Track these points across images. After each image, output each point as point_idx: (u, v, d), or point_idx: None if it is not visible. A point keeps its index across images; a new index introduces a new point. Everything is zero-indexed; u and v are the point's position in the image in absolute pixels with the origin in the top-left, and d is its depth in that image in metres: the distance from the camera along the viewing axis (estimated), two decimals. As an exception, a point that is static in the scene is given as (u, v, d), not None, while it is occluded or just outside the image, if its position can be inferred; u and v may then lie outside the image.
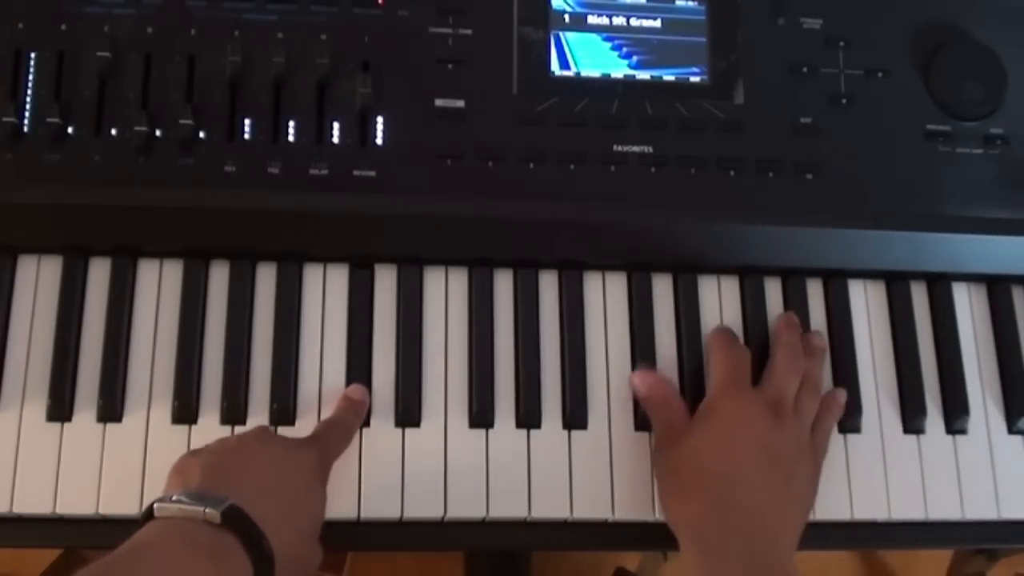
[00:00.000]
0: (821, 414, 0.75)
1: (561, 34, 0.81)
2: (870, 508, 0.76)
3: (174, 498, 0.59)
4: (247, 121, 0.76)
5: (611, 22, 0.82)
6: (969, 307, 0.82)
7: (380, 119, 0.77)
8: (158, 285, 0.76)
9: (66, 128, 0.74)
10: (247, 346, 0.75)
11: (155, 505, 0.60)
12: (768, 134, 0.80)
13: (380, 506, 0.72)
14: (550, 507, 0.74)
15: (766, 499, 0.68)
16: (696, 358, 0.78)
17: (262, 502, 0.61)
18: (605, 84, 0.80)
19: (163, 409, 0.73)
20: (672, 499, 0.71)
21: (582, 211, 0.77)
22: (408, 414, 0.74)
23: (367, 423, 0.74)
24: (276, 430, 0.73)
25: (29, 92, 0.75)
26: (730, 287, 0.81)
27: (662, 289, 0.80)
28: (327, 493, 0.69)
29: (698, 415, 0.73)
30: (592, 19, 0.81)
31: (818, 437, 0.74)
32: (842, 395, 0.77)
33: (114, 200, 0.74)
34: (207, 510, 0.58)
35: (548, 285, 0.79)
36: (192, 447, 0.72)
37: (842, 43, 0.82)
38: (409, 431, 0.74)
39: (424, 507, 0.73)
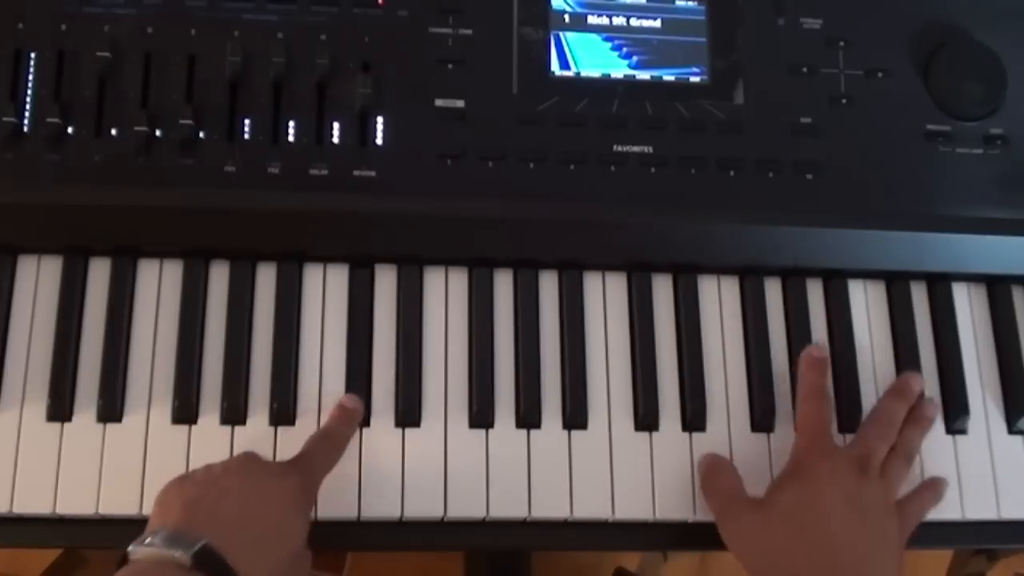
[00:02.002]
0: (922, 495, 0.75)
1: (561, 34, 0.81)
2: (870, 508, 0.76)
3: (147, 541, 0.59)
4: (247, 121, 0.76)
5: (611, 22, 0.82)
6: (969, 307, 0.82)
7: (380, 119, 0.77)
8: (158, 285, 0.76)
9: (66, 128, 0.74)
10: (247, 346, 0.75)
11: (130, 549, 0.59)
12: (768, 134, 0.80)
13: (380, 506, 0.72)
14: (550, 507, 0.74)
15: (864, 553, 0.68)
16: (696, 358, 0.78)
17: (238, 537, 0.61)
18: (605, 84, 0.80)
19: (163, 409, 0.73)
20: (763, 562, 0.70)
21: (582, 211, 0.77)
22: (408, 414, 0.74)
23: (367, 423, 0.74)
24: (276, 430, 0.73)
25: (29, 92, 0.75)
26: (730, 287, 0.81)
27: (662, 289, 0.80)
28: (328, 494, 0.69)
29: (788, 474, 0.72)
30: (592, 19, 0.81)
31: (908, 512, 0.73)
32: (943, 484, 0.76)
33: (114, 200, 0.74)
34: (177, 554, 0.58)
35: (548, 285, 0.79)
36: (192, 447, 0.72)
37: (842, 43, 0.82)
38: (409, 431, 0.74)
39: (424, 507, 0.73)
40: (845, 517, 0.69)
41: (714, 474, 0.74)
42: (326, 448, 0.71)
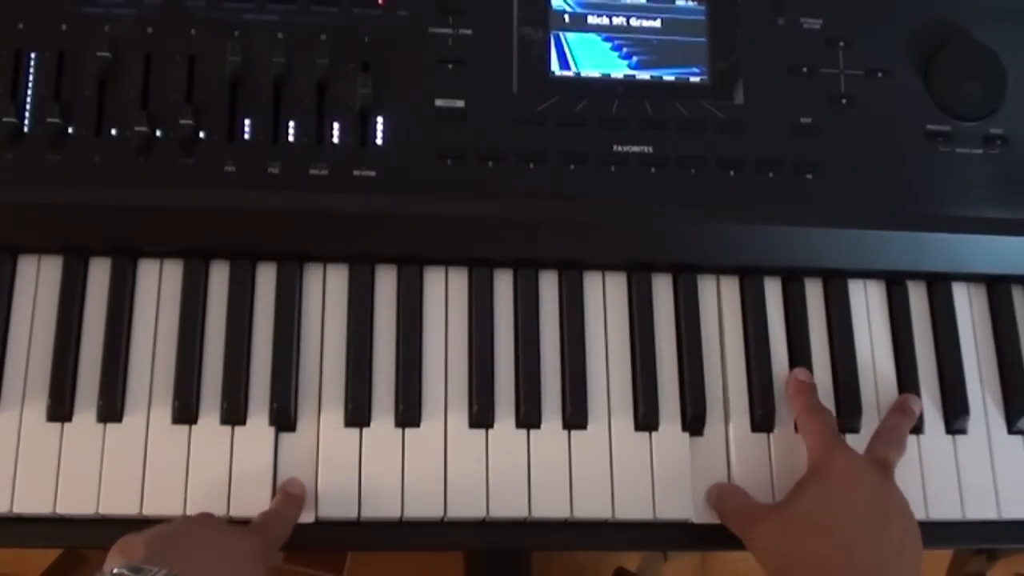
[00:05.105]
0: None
1: (561, 34, 0.81)
2: (870, 508, 0.76)
3: (115, 571, 0.56)
4: (247, 121, 0.76)
5: (611, 22, 0.82)
6: (969, 307, 0.82)
7: (380, 119, 0.77)
8: (158, 285, 0.76)
9: (66, 128, 0.74)
10: (247, 346, 0.75)
11: None
12: (768, 134, 0.80)
13: (380, 506, 0.72)
14: (550, 507, 0.74)
15: (884, 554, 0.67)
16: (696, 358, 0.78)
17: None
18: (605, 84, 0.80)
19: (163, 409, 0.73)
20: (786, 561, 0.69)
21: (582, 211, 0.77)
22: (408, 414, 0.74)
23: (367, 423, 0.74)
24: (276, 433, 0.73)
25: (29, 92, 0.75)
26: (730, 287, 0.81)
27: (662, 289, 0.80)
28: (328, 494, 0.69)
29: (806, 477, 0.72)
30: (592, 19, 0.81)
31: None
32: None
33: (114, 200, 0.74)
34: None
35: (548, 285, 0.79)
36: (192, 447, 0.72)
37: (842, 43, 0.82)
38: (409, 431, 0.74)
39: (424, 507, 0.73)
40: (869, 513, 0.68)
41: (724, 497, 0.74)
42: (277, 523, 0.70)
